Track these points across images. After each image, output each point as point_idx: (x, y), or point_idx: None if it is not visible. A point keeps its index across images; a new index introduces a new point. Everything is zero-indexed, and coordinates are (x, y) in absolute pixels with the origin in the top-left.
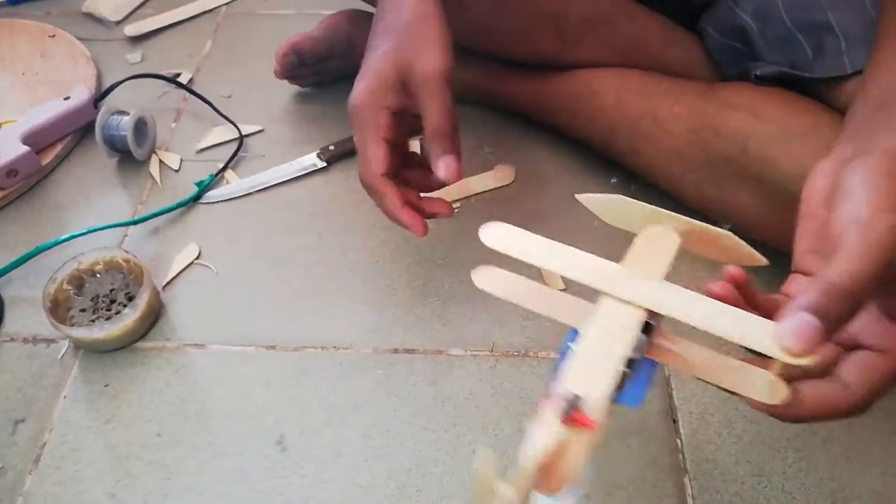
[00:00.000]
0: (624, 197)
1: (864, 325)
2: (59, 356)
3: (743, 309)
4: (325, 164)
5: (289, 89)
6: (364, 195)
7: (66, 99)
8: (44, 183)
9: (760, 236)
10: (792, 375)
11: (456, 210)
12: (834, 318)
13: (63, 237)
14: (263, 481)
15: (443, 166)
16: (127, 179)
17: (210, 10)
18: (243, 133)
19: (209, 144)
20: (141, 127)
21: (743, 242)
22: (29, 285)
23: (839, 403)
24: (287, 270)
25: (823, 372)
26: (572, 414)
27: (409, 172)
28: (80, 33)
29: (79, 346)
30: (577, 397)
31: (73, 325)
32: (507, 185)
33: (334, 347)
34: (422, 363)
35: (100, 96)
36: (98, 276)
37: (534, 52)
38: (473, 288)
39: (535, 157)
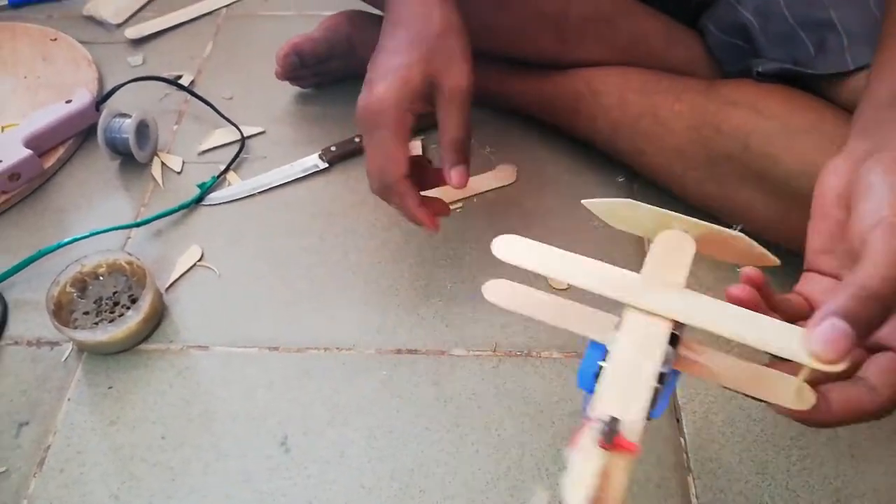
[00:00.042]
0: (631, 200)
1: (888, 327)
2: (63, 359)
3: (763, 311)
4: (326, 165)
5: (290, 90)
6: (365, 196)
7: (67, 102)
8: (46, 186)
9: (763, 234)
10: (817, 379)
11: (458, 210)
12: (864, 323)
13: (66, 240)
14: (267, 482)
15: (455, 175)
16: (129, 182)
17: (211, 13)
18: (245, 135)
19: (211, 146)
20: (143, 129)
21: (754, 243)
22: (32, 288)
23: (865, 406)
24: (289, 272)
25: (848, 375)
26: (614, 439)
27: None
28: (82, 36)
29: (82, 348)
30: (613, 419)
31: (76, 328)
32: (508, 185)
33: (337, 348)
34: (424, 364)
35: (101, 99)
36: (101, 278)
37: (535, 51)
38: (476, 288)
39: (537, 157)
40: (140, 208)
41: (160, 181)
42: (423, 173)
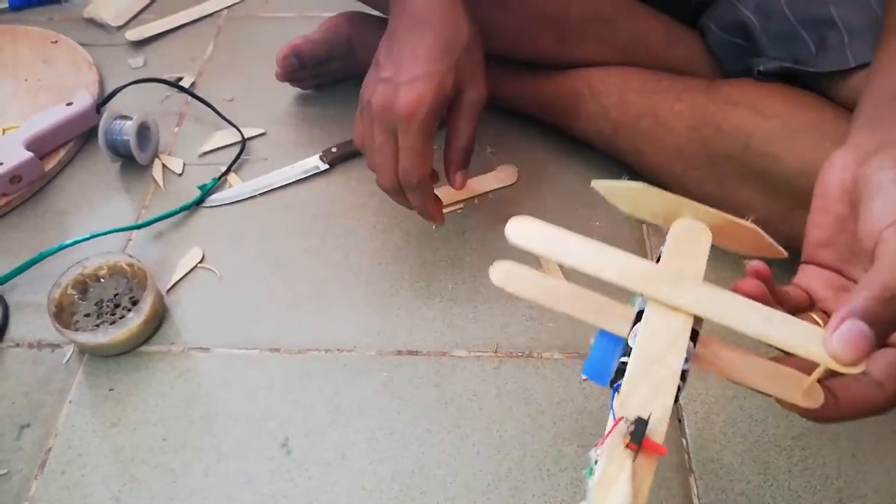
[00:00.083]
0: (643, 184)
1: None
2: (64, 361)
3: (770, 304)
4: (327, 167)
5: (290, 92)
6: (366, 198)
7: (68, 104)
8: (47, 188)
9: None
10: (824, 374)
11: (458, 211)
12: (883, 325)
13: (67, 242)
14: (268, 484)
15: (459, 178)
16: (130, 184)
17: (211, 14)
18: (245, 136)
19: (212, 148)
20: (144, 131)
21: (765, 234)
22: (33, 291)
23: (872, 402)
24: (290, 273)
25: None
26: (643, 441)
27: None
28: (83, 39)
29: (83, 350)
30: (641, 420)
31: (77, 330)
32: (509, 186)
33: (338, 350)
34: (425, 365)
35: (102, 101)
36: (102, 280)
37: (535, 51)
38: (477, 289)
39: (537, 157)
40: (141, 210)
41: (161, 183)
42: None
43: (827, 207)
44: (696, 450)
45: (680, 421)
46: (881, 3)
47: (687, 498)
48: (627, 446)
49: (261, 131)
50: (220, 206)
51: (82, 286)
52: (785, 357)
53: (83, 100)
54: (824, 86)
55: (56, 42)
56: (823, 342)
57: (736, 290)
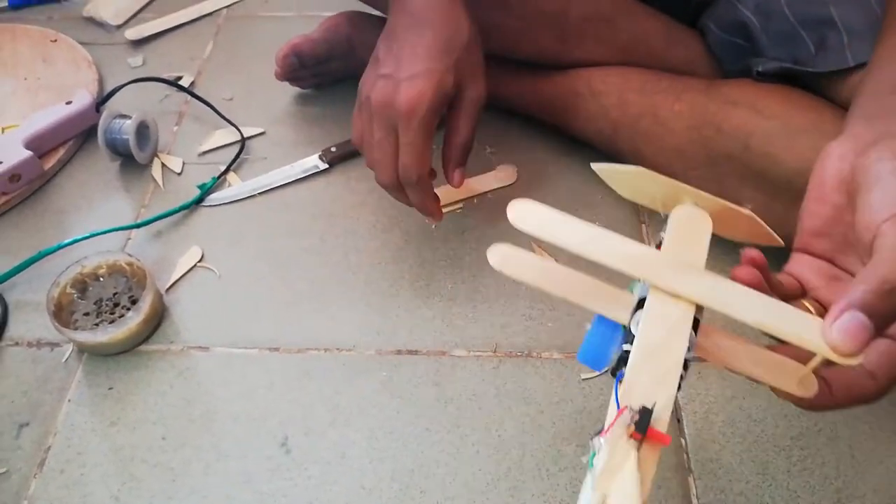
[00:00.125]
0: (643, 169)
1: None
2: (63, 360)
3: (766, 292)
4: (326, 166)
5: (290, 91)
6: (365, 197)
7: (68, 103)
8: (46, 187)
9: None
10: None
11: (458, 211)
12: (882, 317)
13: (66, 241)
14: (268, 483)
15: (458, 175)
16: (129, 183)
17: (211, 13)
18: (245, 135)
19: (211, 147)
20: (143, 130)
21: (762, 222)
22: (32, 289)
23: (864, 392)
24: (290, 272)
25: None
26: (648, 430)
27: None
28: (82, 37)
29: (83, 349)
30: (646, 410)
31: (76, 329)
32: (509, 186)
33: (337, 349)
34: (425, 364)
35: (102, 100)
36: (101, 279)
37: (535, 50)
38: (476, 288)
39: (537, 157)
40: (140, 209)
41: (160, 182)
42: None
43: (823, 197)
44: (695, 450)
45: (679, 421)
46: (881, 2)
47: (686, 498)
48: (632, 436)
49: (260, 131)
50: (220, 205)
51: (81, 285)
52: (778, 345)
53: (82, 99)
54: (824, 86)
55: (55, 41)
56: (822, 333)
57: (732, 278)
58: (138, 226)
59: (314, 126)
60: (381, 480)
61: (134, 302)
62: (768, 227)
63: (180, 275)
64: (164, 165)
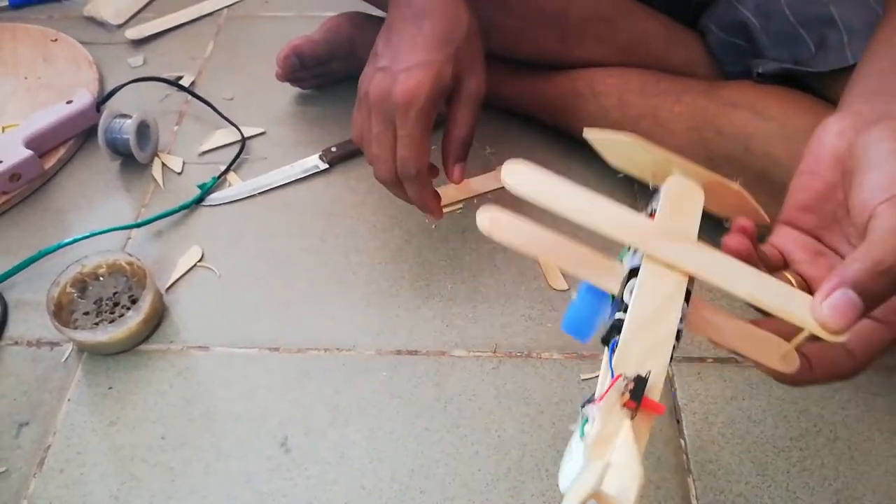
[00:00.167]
0: (636, 137)
1: None
2: (63, 359)
3: (755, 262)
4: (326, 166)
5: (290, 91)
6: (365, 197)
7: (68, 103)
8: (47, 187)
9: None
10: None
11: (458, 211)
12: (873, 296)
13: (66, 241)
14: (267, 483)
15: (457, 170)
16: (129, 183)
17: (211, 13)
18: (245, 135)
19: (211, 147)
20: (143, 130)
21: (750, 198)
22: (32, 289)
23: (843, 369)
24: (289, 272)
25: None
26: (642, 400)
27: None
28: (82, 37)
29: (82, 349)
30: (641, 378)
31: (76, 328)
32: None
33: (337, 349)
34: (425, 364)
35: (102, 100)
36: (101, 279)
37: (535, 51)
38: (476, 289)
39: (537, 158)
40: (140, 209)
41: (160, 182)
42: None
43: (816, 172)
44: (695, 450)
45: (678, 422)
46: (880, 1)
47: (685, 499)
48: (626, 405)
49: (260, 130)
50: (220, 205)
51: (81, 284)
52: (761, 320)
53: (83, 98)
54: (824, 86)
55: (56, 40)
56: (811, 309)
57: (724, 245)
58: (138, 225)
59: (314, 126)
60: (381, 480)
61: (134, 301)
62: (756, 204)
63: (180, 274)
64: (164, 165)
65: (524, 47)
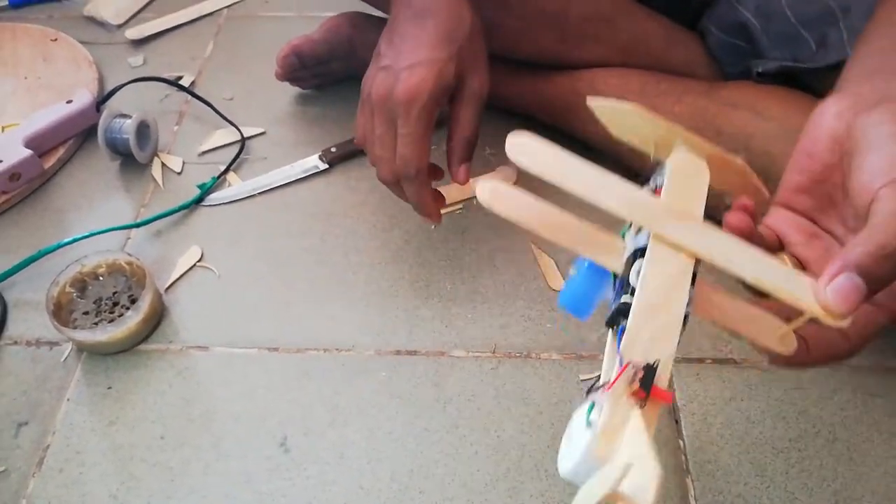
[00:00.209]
0: (639, 107)
1: None
2: (63, 359)
3: (755, 240)
4: (326, 166)
5: (290, 91)
6: (365, 197)
7: (68, 102)
8: (46, 186)
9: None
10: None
11: (458, 211)
12: (877, 280)
13: (66, 240)
14: (267, 483)
15: (462, 171)
16: (129, 182)
17: (211, 13)
18: (245, 135)
19: (211, 147)
20: (143, 130)
21: (752, 173)
22: (32, 288)
23: (839, 352)
24: (289, 272)
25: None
26: (652, 388)
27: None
28: (82, 37)
29: (82, 348)
30: (650, 367)
31: (76, 328)
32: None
33: (336, 349)
34: (424, 365)
35: (102, 100)
36: (101, 278)
37: (536, 51)
38: (476, 289)
39: None
40: (140, 209)
41: (160, 182)
42: None
43: (813, 153)
44: (693, 451)
45: (677, 422)
46: None
47: (684, 499)
48: (635, 394)
49: (260, 130)
50: (220, 205)
51: (81, 284)
52: (758, 301)
53: (83, 98)
54: (825, 85)
55: (56, 40)
56: (815, 293)
57: (725, 224)
58: (138, 225)
59: (314, 126)
60: (380, 481)
61: (133, 301)
62: (758, 180)
63: (180, 274)
64: (164, 165)
65: (524, 47)
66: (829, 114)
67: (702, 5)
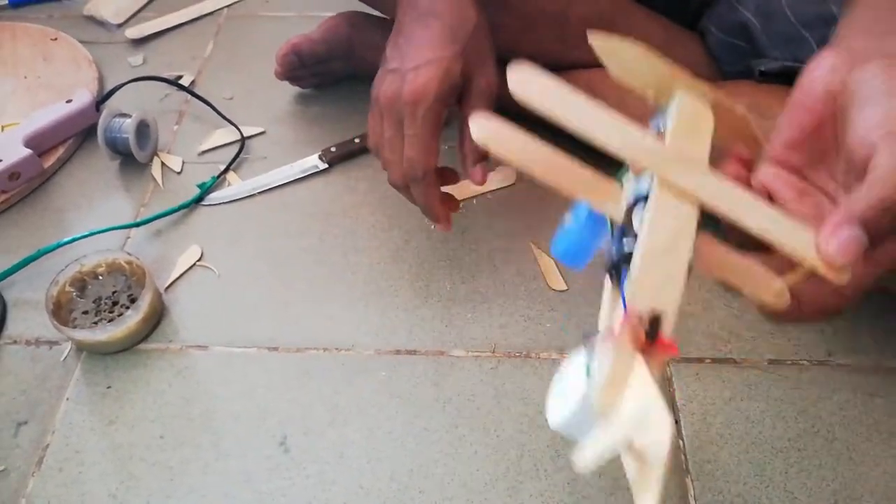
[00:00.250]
0: (642, 47)
1: None
2: (62, 358)
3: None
4: (326, 166)
5: (290, 91)
6: (365, 197)
7: (68, 102)
8: (46, 186)
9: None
10: (788, 274)
11: (458, 211)
12: (878, 232)
13: (65, 240)
14: (266, 482)
15: (479, 171)
16: (129, 182)
17: (211, 13)
18: (245, 135)
19: (211, 146)
20: (143, 129)
21: (753, 124)
22: (32, 288)
23: (830, 307)
24: (289, 272)
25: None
26: (657, 337)
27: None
28: (82, 36)
29: (81, 348)
30: (656, 316)
31: (75, 328)
32: (508, 186)
33: (336, 349)
34: (424, 364)
35: (102, 99)
36: (100, 278)
37: (537, 51)
38: (475, 289)
39: None
40: (140, 208)
41: (160, 181)
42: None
43: (807, 106)
44: (693, 451)
45: (677, 422)
46: None
47: (683, 499)
48: (640, 343)
49: (260, 130)
50: (219, 204)
51: (81, 284)
52: (751, 253)
53: (82, 97)
54: None
55: (56, 39)
56: (817, 244)
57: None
58: (138, 224)
59: (314, 126)
60: (380, 480)
61: (133, 300)
62: (758, 132)
63: (179, 274)
64: (163, 164)
65: (524, 47)
66: (824, 67)
67: (702, 5)
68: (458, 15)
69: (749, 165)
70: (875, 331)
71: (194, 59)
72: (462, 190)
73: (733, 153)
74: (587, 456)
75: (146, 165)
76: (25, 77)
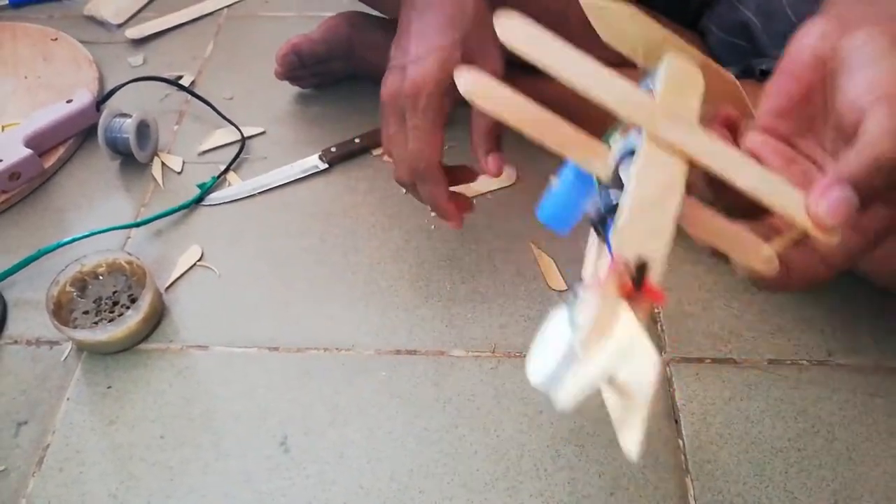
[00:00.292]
0: (633, 9)
1: None
2: (62, 358)
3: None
4: (326, 166)
5: (290, 91)
6: (365, 197)
7: (68, 102)
8: (46, 186)
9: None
10: (778, 243)
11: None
12: (869, 194)
13: (65, 240)
14: (266, 482)
15: (493, 161)
16: (129, 182)
17: (211, 13)
18: (245, 135)
19: (211, 146)
20: (143, 129)
21: (742, 91)
22: (32, 288)
23: (818, 276)
24: (289, 272)
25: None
26: (644, 284)
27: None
28: (83, 36)
29: (82, 348)
30: (643, 263)
31: (76, 328)
32: (508, 186)
33: (336, 349)
34: (424, 364)
35: (102, 99)
36: (101, 278)
37: None
38: (475, 289)
39: (537, 157)
40: (140, 208)
41: (160, 181)
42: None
43: (796, 73)
44: (693, 451)
45: (677, 422)
46: None
47: (683, 499)
48: (625, 290)
49: (260, 130)
50: (220, 204)
51: (81, 284)
52: (738, 220)
53: (83, 97)
54: None
55: (56, 39)
56: (807, 205)
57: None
58: (138, 224)
59: (314, 126)
60: (380, 480)
61: (133, 300)
62: (748, 101)
63: (180, 274)
64: (164, 164)
65: None
66: (814, 35)
67: (702, 5)
68: (454, 4)
69: (736, 129)
70: (875, 331)
71: (194, 59)
72: (462, 191)
73: (720, 114)
74: (568, 390)
75: (146, 165)
76: (26, 77)
